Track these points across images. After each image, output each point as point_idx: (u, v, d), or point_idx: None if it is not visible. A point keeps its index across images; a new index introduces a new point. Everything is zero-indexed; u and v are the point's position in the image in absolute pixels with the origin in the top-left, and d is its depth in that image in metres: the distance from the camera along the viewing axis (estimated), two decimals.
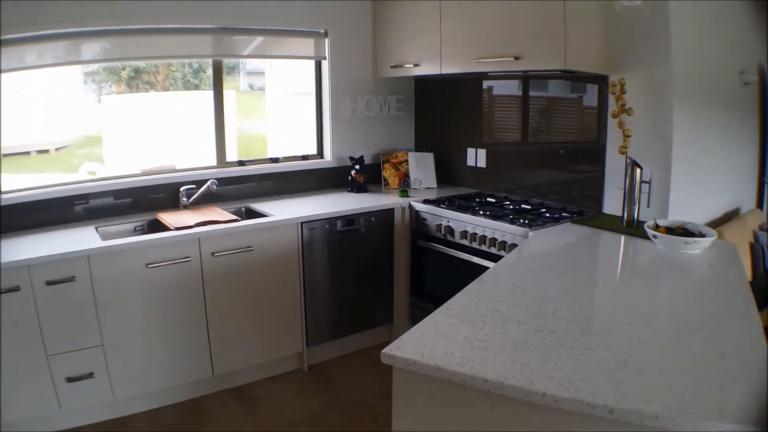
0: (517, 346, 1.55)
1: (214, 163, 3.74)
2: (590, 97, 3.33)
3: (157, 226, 3.20)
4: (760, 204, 4.07)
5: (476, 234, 3.24)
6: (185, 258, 2.91)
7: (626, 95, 2.87)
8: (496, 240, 3.12)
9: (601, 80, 3.18)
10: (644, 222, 2.89)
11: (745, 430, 1.17)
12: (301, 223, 3.29)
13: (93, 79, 3.50)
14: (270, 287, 3.24)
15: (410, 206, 3.70)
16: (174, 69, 3.74)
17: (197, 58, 3.66)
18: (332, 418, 3.03)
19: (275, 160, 3.97)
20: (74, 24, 3.03)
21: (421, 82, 4.43)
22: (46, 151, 3.40)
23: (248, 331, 3.21)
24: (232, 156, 3.83)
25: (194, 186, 3.48)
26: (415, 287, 3.79)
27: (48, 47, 3.02)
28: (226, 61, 3.77)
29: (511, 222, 3.08)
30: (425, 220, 3.59)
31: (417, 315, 3.78)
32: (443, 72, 3.56)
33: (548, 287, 2.07)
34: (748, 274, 3.01)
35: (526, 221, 3.09)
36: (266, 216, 3.32)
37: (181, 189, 3.45)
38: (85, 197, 3.21)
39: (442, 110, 4.33)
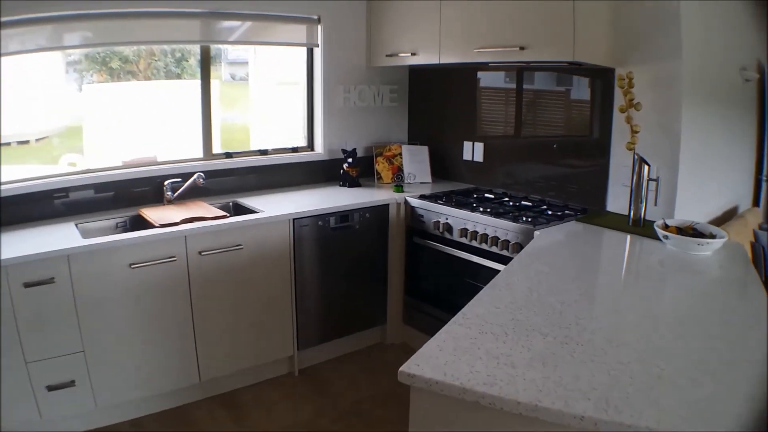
0: (545, 362, 1.43)
1: (199, 155, 3.56)
2: (593, 92, 3.21)
3: (141, 223, 3.02)
4: (756, 202, 4.00)
5: (477, 232, 3.11)
6: (170, 257, 2.74)
7: (633, 90, 2.76)
8: (498, 239, 2.99)
9: (606, 74, 3.05)
10: (651, 221, 2.81)
11: None
12: (293, 219, 3.13)
13: (75, 69, 3.29)
14: (260, 288, 3.08)
15: (406, 202, 3.55)
16: (156, 58, 3.55)
17: (184, 44, 3.46)
18: (326, 424, 2.89)
19: (264, 153, 3.80)
20: (58, 8, 2.83)
21: (415, 72, 4.28)
22: (26, 142, 3.19)
23: (236, 335, 3.05)
24: (217, 148, 3.65)
25: (179, 179, 3.30)
26: (410, 286, 3.65)
27: (30, 32, 2.82)
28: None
29: (515, 220, 2.96)
30: (422, 216, 3.45)
31: (412, 315, 3.65)
32: (442, 62, 3.40)
33: (565, 292, 1.96)
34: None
35: (529, 219, 2.97)
36: (256, 212, 3.15)
37: (166, 183, 3.26)
38: (64, 191, 3.01)
39: (436, 102, 4.19)
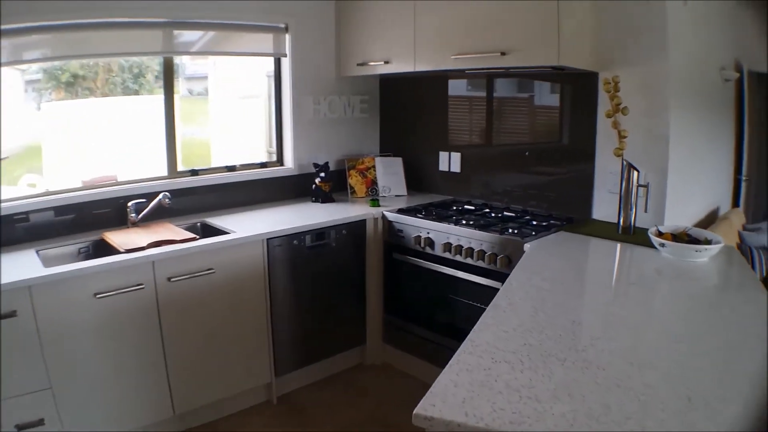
0: (570, 392, 1.30)
1: (163, 173, 3.34)
2: (576, 97, 3.13)
3: (104, 248, 2.79)
4: (735, 202, 3.99)
5: (461, 246, 2.97)
6: (138, 285, 2.52)
7: (618, 94, 2.68)
8: (485, 252, 2.86)
9: (589, 78, 2.97)
10: (641, 228, 2.74)
11: None
12: (267, 239, 2.95)
13: (33, 87, 3.06)
14: (233, 313, 2.89)
15: (383, 216, 3.40)
16: (114, 74, 3.33)
17: (147, 55, 3.25)
18: None
19: (232, 169, 3.60)
20: (16, 20, 2.62)
21: (386, 81, 4.14)
22: None
23: (211, 364, 2.84)
24: (180, 165, 3.44)
25: (143, 200, 3.08)
26: (390, 304, 3.50)
27: None
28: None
29: (501, 232, 2.84)
30: (401, 231, 3.30)
31: (392, 334, 3.50)
32: (417, 69, 3.27)
33: (572, 310, 1.85)
34: None
35: (515, 231, 2.86)
36: (226, 232, 2.96)
37: (129, 204, 3.04)
38: (24, 214, 2.77)
39: (408, 111, 4.06)
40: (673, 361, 1.48)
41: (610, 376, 1.37)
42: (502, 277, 2.77)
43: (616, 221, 2.83)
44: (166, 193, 3.04)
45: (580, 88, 3.07)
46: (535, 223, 3.06)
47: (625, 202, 2.74)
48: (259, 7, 3.46)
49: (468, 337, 1.59)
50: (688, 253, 2.31)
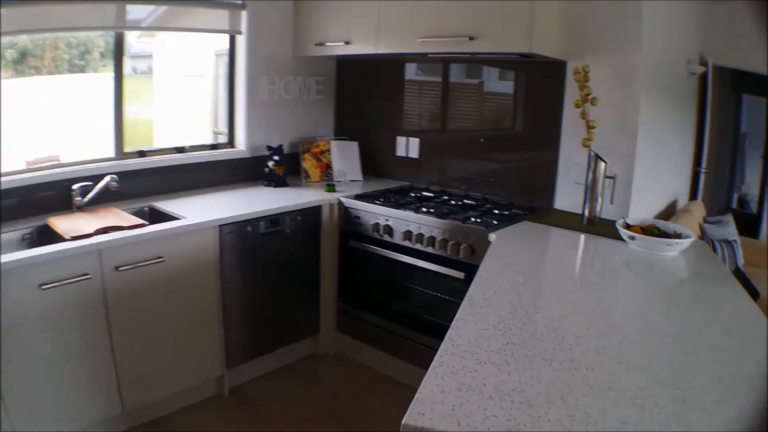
0: (562, 395, 1.23)
1: (110, 154, 3.10)
2: (540, 86, 3.08)
3: (49, 235, 2.56)
4: (693, 194, 4.04)
5: (422, 234, 2.89)
6: (84, 275, 2.32)
7: (588, 84, 2.63)
8: (447, 242, 2.78)
9: (557, 66, 2.92)
10: (605, 219, 2.71)
11: None
12: (220, 226, 2.78)
13: None
14: (184, 304, 2.72)
15: (340, 202, 3.28)
16: (61, 51, 3.07)
17: (97, 30, 2.99)
18: None
19: (181, 150, 3.40)
20: None
21: (343, 63, 4.00)
22: None
23: (160, 357, 2.67)
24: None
25: (89, 183, 2.85)
26: (345, 293, 3.39)
27: None
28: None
29: (463, 221, 2.76)
30: (358, 218, 3.18)
31: (346, 323, 3.40)
32: (380, 51, 3.15)
33: (550, 305, 1.81)
34: None
35: (479, 220, 2.79)
36: (176, 218, 2.78)
37: (74, 186, 2.80)
38: None
39: (365, 95, 3.94)
40: (661, 360, 1.44)
41: (600, 377, 1.32)
42: (464, 267, 2.72)
43: (579, 212, 2.81)
44: (114, 176, 2.82)
45: (546, 77, 3.01)
46: (497, 211, 3.00)
47: (591, 193, 2.71)
48: None
49: (447, 335, 1.50)
50: (658, 247, 2.30)
